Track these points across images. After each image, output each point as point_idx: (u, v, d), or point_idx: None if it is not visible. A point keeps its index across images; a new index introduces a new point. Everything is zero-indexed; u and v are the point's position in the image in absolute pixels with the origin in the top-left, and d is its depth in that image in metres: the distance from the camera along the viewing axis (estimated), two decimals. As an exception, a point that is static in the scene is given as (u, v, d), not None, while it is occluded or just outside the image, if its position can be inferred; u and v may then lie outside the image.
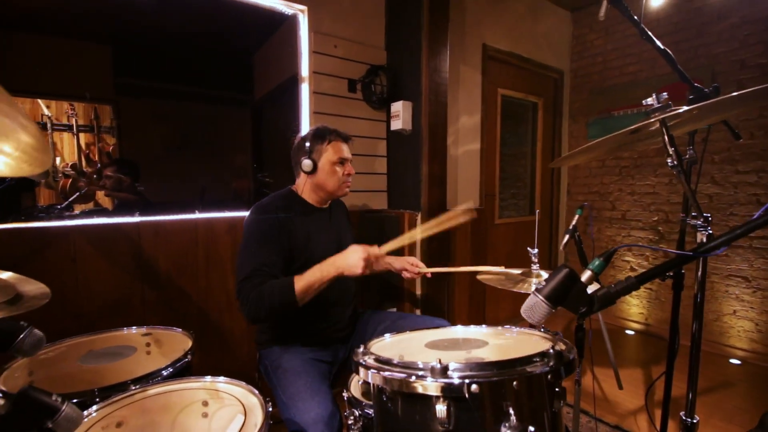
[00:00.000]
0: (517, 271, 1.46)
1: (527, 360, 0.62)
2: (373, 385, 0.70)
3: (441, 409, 0.57)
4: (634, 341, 3.17)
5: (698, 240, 1.02)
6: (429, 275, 1.58)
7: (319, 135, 1.47)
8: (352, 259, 1.21)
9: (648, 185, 3.23)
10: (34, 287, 0.90)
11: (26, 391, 0.72)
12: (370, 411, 1.03)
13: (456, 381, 0.57)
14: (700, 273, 1.14)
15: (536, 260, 1.38)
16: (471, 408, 0.56)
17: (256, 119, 4.79)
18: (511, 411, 0.57)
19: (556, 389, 0.63)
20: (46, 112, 2.90)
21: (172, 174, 4.45)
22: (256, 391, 0.97)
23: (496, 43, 3.03)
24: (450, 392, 0.57)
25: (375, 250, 1.24)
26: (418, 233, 1.43)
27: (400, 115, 2.24)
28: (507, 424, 0.56)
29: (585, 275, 0.71)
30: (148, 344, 1.33)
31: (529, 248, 1.39)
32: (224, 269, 1.90)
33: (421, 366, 0.61)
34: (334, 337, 1.49)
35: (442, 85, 2.22)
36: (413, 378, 0.60)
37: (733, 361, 2.77)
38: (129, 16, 3.51)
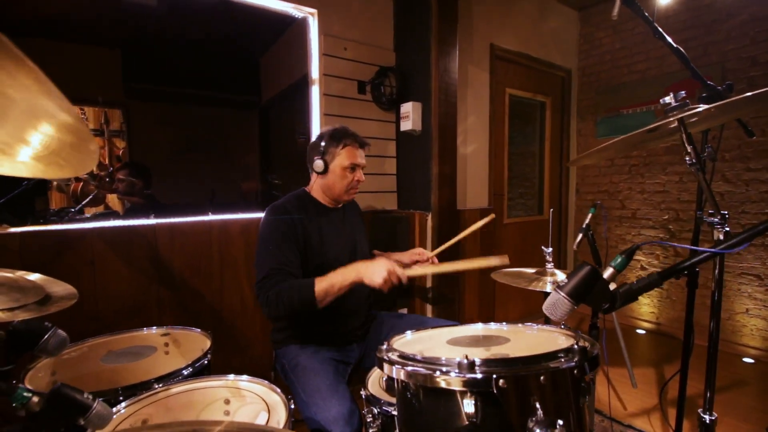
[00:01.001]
0: (530, 270, 1.47)
1: (553, 356, 0.63)
2: (398, 380, 0.71)
3: (468, 403, 0.58)
4: (645, 340, 3.15)
5: (714, 237, 1.02)
6: (436, 260, 1.58)
7: (336, 137, 1.46)
8: (375, 269, 1.21)
9: (658, 183, 3.22)
10: (61, 288, 0.92)
11: (59, 389, 0.74)
12: (389, 408, 1.03)
13: (484, 376, 0.57)
14: (717, 271, 1.14)
15: (550, 259, 1.39)
16: (498, 403, 0.57)
17: (264, 121, 4.83)
18: (538, 406, 0.57)
19: (582, 385, 0.64)
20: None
21: (181, 176, 4.49)
22: (278, 390, 0.98)
23: (503, 43, 3.03)
24: (477, 387, 0.58)
25: (400, 270, 1.23)
26: (444, 268, 1.45)
27: (410, 116, 2.25)
28: (534, 419, 0.57)
29: (607, 272, 0.71)
30: (166, 344, 1.35)
31: (543, 247, 1.40)
32: (237, 270, 1.92)
33: (446, 362, 0.62)
34: (349, 336, 1.50)
35: (451, 85, 2.23)
36: (438, 373, 0.61)
37: (747, 359, 2.74)
38: (138, 22, 3.56)
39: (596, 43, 3.57)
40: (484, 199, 3.02)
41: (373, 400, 1.09)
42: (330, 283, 1.24)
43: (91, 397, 0.76)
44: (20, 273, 0.93)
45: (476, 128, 2.91)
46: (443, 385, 0.60)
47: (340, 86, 2.26)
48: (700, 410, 1.13)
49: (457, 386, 0.59)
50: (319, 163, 1.45)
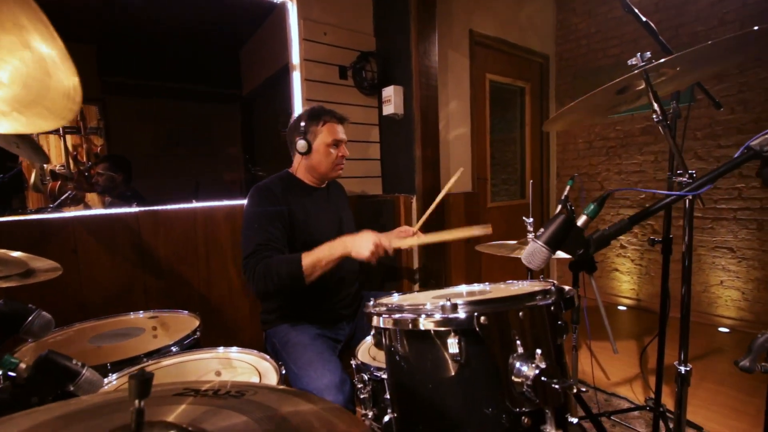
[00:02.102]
0: (512, 242, 1.51)
1: (531, 295, 0.66)
2: (386, 331, 0.73)
3: (453, 343, 0.60)
4: (626, 316, 3.25)
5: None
6: (420, 234, 1.60)
7: (314, 115, 1.47)
8: (362, 242, 1.22)
9: (634, 164, 3.32)
10: (44, 264, 0.92)
11: (47, 355, 0.74)
12: (379, 373, 1.06)
13: (466, 315, 0.60)
14: (687, 238, 1.20)
15: (532, 229, 1.43)
16: (481, 340, 0.60)
17: (246, 114, 4.78)
18: (518, 342, 0.60)
19: (558, 323, 0.67)
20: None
21: (163, 173, 4.42)
22: (268, 357, 0.99)
23: (482, 29, 3.07)
24: (460, 325, 0.60)
25: (386, 242, 1.23)
26: (429, 239, 1.43)
27: (392, 100, 2.27)
28: (515, 354, 0.60)
29: (581, 220, 0.75)
30: (154, 328, 1.35)
31: (524, 218, 1.44)
32: (224, 257, 1.92)
33: (430, 307, 0.64)
34: (339, 314, 1.51)
35: (432, 68, 2.25)
36: (424, 316, 0.63)
37: (722, 329, 2.86)
38: (113, 14, 3.48)
39: (572, 28, 3.64)
40: (468, 183, 3.06)
41: (363, 367, 1.12)
42: (317, 257, 1.24)
43: (80, 363, 0.76)
44: (3, 251, 0.92)
45: (458, 114, 2.95)
46: (428, 326, 0.62)
47: (322, 71, 2.26)
48: (675, 362, 1.19)
49: (441, 327, 0.61)
50: (302, 144, 1.45)
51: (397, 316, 0.67)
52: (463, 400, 0.65)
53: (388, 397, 1.02)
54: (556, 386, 0.54)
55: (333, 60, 2.30)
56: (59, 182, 3.46)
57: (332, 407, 0.62)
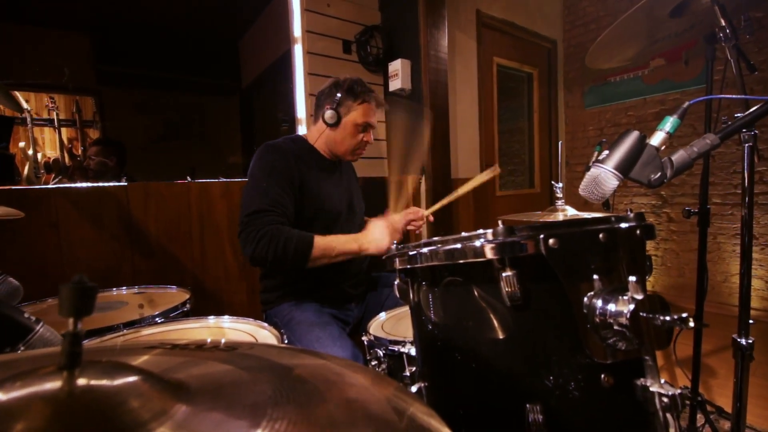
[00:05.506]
0: (538, 212, 1.37)
1: (605, 219, 0.51)
2: (413, 276, 0.59)
3: (508, 277, 0.45)
4: (643, 309, 3.11)
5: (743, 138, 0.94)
6: (431, 219, 1.48)
7: (354, 91, 1.31)
8: (375, 235, 1.18)
9: (649, 150, 3.19)
10: (2, 211, 0.77)
11: (-8, 305, 0.60)
12: (396, 347, 0.92)
13: (527, 239, 0.45)
14: (747, 194, 1.06)
15: (561, 194, 1.29)
16: (548, 272, 0.45)
17: (246, 107, 4.65)
18: (596, 276, 0.45)
19: (645, 257, 0.52)
20: (25, 105, 2.75)
21: (159, 166, 4.28)
22: (267, 324, 0.85)
23: (489, 10, 2.96)
24: (521, 251, 0.45)
25: (398, 224, 1.24)
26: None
27: (399, 74, 2.14)
28: (592, 293, 0.45)
29: (656, 138, 0.61)
30: (141, 305, 1.20)
31: (553, 182, 1.29)
32: (220, 237, 1.77)
33: (476, 233, 0.49)
34: (347, 294, 1.37)
35: (441, 41, 2.13)
36: (463, 245, 0.48)
37: (745, 320, 2.72)
38: (108, 2, 3.35)
39: (580, 13, 3.54)
40: (476, 169, 2.93)
41: (377, 342, 0.98)
42: (330, 245, 1.14)
43: (34, 319, 0.61)
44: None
45: (466, 97, 2.82)
46: (472, 257, 0.47)
47: (325, 44, 2.13)
48: (734, 335, 1.05)
49: (493, 254, 0.46)
50: (331, 114, 1.30)
51: (427, 249, 0.52)
52: (520, 357, 0.50)
53: (408, 374, 0.88)
54: (667, 318, 0.40)
55: (336, 33, 2.17)
56: (53, 175, 3.31)
57: (350, 363, 0.48)
